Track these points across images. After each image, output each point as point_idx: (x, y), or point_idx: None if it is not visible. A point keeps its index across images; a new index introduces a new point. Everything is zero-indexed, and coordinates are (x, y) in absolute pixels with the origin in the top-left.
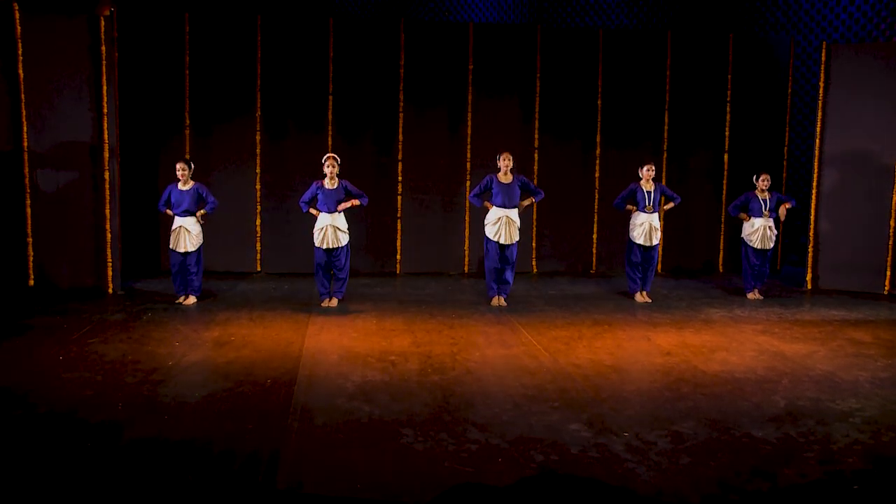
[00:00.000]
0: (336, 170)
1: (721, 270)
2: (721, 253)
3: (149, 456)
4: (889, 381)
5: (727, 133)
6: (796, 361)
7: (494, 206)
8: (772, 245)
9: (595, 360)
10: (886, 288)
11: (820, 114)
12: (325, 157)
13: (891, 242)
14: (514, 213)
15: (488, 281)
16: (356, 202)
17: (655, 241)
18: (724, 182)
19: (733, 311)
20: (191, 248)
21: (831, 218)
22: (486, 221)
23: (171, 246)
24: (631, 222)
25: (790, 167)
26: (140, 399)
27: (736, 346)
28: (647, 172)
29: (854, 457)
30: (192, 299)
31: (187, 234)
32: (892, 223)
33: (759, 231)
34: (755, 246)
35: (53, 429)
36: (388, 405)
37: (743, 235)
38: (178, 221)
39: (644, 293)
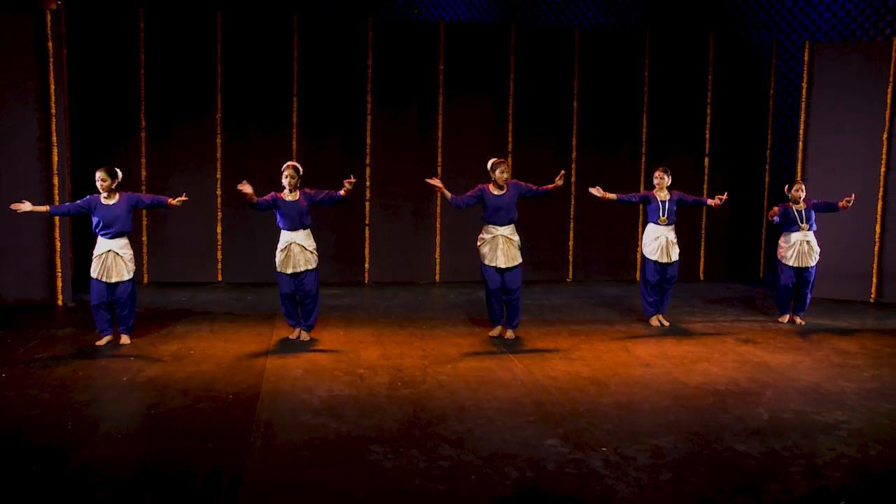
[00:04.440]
0: (295, 181)
1: (702, 278)
2: (702, 260)
3: (100, 480)
4: (876, 392)
5: (707, 135)
6: (780, 372)
7: (487, 224)
8: (812, 263)
9: (572, 372)
10: (873, 296)
11: (803, 115)
12: (284, 165)
13: (877, 248)
14: (510, 231)
15: (490, 303)
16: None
17: (675, 257)
18: (705, 186)
19: (715, 321)
20: (126, 277)
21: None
22: (479, 241)
23: (94, 275)
24: (645, 237)
25: (773, 170)
26: (91, 418)
27: (718, 357)
28: (657, 180)
29: (841, 471)
30: (124, 338)
31: (118, 259)
32: (877, 229)
33: (794, 246)
34: (789, 264)
35: None
36: (356, 421)
37: (779, 254)
38: (106, 245)
39: (660, 316)
